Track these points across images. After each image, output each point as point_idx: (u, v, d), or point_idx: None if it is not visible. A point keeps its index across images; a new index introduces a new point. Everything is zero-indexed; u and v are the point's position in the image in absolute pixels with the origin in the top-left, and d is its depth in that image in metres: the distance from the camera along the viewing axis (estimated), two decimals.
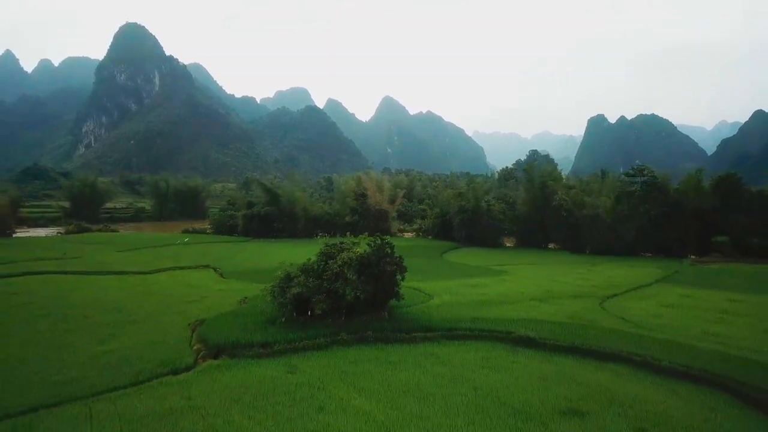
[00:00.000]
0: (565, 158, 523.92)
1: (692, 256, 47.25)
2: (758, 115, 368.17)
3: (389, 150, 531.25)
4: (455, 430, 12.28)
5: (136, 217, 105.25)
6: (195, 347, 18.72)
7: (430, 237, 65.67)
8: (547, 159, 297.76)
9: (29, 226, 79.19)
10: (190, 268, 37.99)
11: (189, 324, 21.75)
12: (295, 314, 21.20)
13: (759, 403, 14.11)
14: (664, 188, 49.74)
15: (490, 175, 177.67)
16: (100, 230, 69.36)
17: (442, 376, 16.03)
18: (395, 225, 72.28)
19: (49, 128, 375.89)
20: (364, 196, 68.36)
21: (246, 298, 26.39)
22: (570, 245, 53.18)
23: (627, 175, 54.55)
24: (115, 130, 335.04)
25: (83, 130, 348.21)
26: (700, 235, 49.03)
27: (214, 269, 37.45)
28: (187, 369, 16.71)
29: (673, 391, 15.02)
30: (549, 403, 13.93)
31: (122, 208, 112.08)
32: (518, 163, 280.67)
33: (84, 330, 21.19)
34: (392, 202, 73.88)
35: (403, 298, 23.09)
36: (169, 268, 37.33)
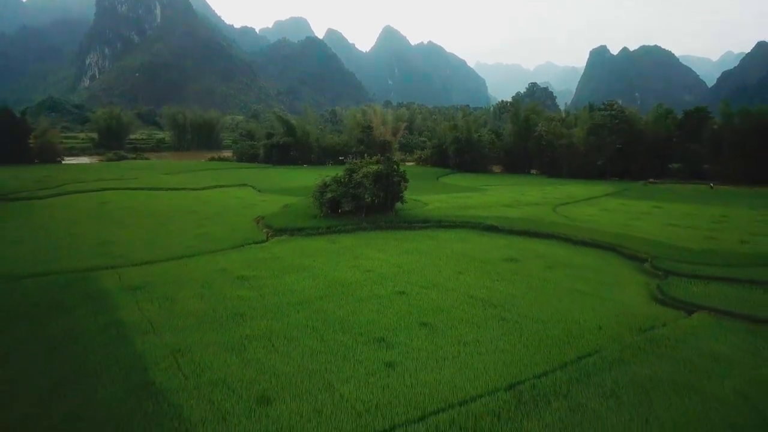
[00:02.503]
0: (566, 90, 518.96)
1: (650, 180, 54.74)
2: (761, 45, 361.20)
3: (390, 82, 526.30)
4: (440, 268, 20.44)
5: (157, 147, 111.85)
6: (264, 230, 26.96)
7: (428, 165, 73.02)
8: (546, 91, 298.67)
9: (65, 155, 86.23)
10: (231, 186, 45.95)
11: (253, 219, 29.92)
12: (329, 211, 29.32)
13: (631, 257, 22.21)
14: (630, 121, 56.57)
15: (489, 107, 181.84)
16: (134, 158, 76.78)
17: (432, 245, 24.27)
18: (397, 155, 79.24)
19: (51, 60, 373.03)
20: (369, 128, 75.06)
21: (286, 205, 34.39)
22: (549, 171, 60.60)
23: (599, 109, 61.13)
24: (119, 62, 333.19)
25: (87, 62, 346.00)
26: (659, 162, 56.42)
27: (252, 187, 45.41)
28: (263, 242, 24.96)
29: (581, 252, 23.22)
30: (498, 256, 22.16)
31: (143, 139, 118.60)
32: (517, 95, 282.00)
33: (178, 222, 29.34)
34: (395, 134, 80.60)
35: (405, 203, 31.20)
36: (214, 186, 45.24)
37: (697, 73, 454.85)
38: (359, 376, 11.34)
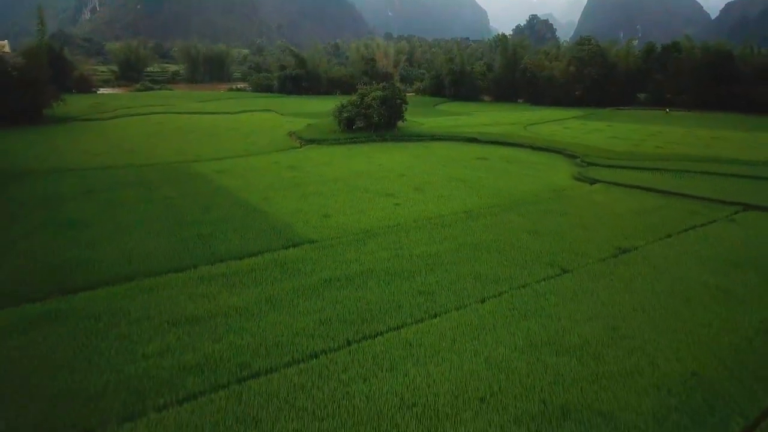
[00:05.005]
0: (570, 22, 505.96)
1: (618, 107, 60.95)
2: None
3: (390, 14, 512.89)
4: (430, 164, 27.74)
5: (172, 79, 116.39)
6: (296, 140, 34.20)
7: (426, 95, 78.74)
8: (547, 24, 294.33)
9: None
10: (257, 111, 52.60)
11: (285, 133, 37.06)
12: (346, 128, 36.39)
13: (571, 156, 29.46)
14: (605, 55, 62.11)
15: (488, 40, 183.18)
16: (160, 89, 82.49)
17: (425, 151, 31.55)
18: (398, 86, 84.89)
19: None
20: (373, 60, 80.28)
21: (309, 124, 41.31)
22: (533, 100, 66.61)
23: (578, 44, 66.43)
24: None
25: None
26: (630, 92, 62.53)
27: (275, 111, 52.07)
28: (297, 148, 32.22)
29: (535, 154, 30.51)
30: (473, 156, 29.47)
31: (158, 72, 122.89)
32: (517, 28, 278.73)
33: (226, 136, 36.39)
34: (395, 66, 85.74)
35: (405, 121, 38.23)
36: (243, 111, 51.86)
37: (701, 5, 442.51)
38: (379, 209, 18.92)
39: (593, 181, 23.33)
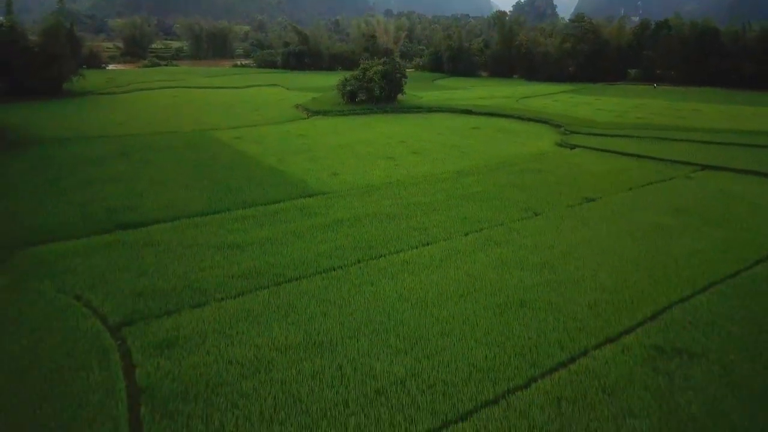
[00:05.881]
0: None
1: (608, 82, 62.64)
2: None
3: None
4: (427, 133, 29.93)
5: (176, 56, 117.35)
6: (303, 112, 36.34)
7: (425, 70, 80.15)
8: (547, 0, 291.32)
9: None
10: (264, 85, 54.47)
11: (292, 105, 39.15)
12: (349, 100, 38.46)
13: (557, 126, 31.63)
14: (598, 32, 63.59)
15: (487, 17, 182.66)
16: (167, 65, 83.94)
17: (423, 121, 33.73)
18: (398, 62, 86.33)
19: None
20: (373, 37, 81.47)
21: (314, 97, 43.28)
22: (528, 75, 68.14)
23: (572, 21, 67.78)
24: None
25: None
26: (621, 67, 64.20)
27: (281, 86, 53.94)
28: (305, 119, 34.39)
29: (525, 124, 32.66)
30: (467, 126, 31.66)
31: (161, 48, 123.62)
32: (518, 4, 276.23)
33: (238, 108, 38.46)
34: (396, 42, 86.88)
35: (405, 94, 40.26)
36: (251, 86, 53.73)
37: None
38: (381, 169, 21.23)
39: (573, 147, 25.62)
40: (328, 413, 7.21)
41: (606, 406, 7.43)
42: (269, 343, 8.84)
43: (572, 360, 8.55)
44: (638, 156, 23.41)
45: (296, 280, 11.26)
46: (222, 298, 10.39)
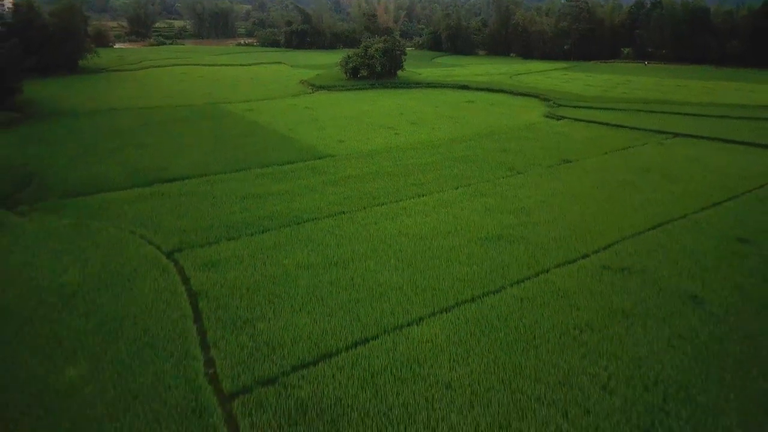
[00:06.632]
0: None
1: (601, 60, 63.91)
2: None
3: None
4: (425, 105, 31.64)
5: (179, 35, 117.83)
6: (308, 87, 37.99)
7: (425, 49, 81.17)
8: None
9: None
10: (269, 63, 55.83)
11: (298, 82, 40.75)
12: (352, 76, 40.06)
13: (546, 99, 33.33)
14: (592, 11, 64.54)
15: None
16: (172, 44, 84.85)
17: (422, 95, 35.38)
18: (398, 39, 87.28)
19: None
20: (374, 16, 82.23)
21: (318, 74, 44.83)
22: (524, 53, 69.31)
23: (568, 1, 68.53)
24: None
25: None
26: (615, 46, 65.39)
27: (285, 64, 55.31)
28: (310, 93, 36.06)
29: (517, 98, 34.37)
30: (462, 100, 33.35)
31: (165, 27, 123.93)
32: None
33: (245, 84, 40.03)
34: (395, 21, 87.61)
35: (404, 70, 41.81)
36: (256, 63, 55.06)
37: None
38: (382, 137, 23.07)
39: (560, 118, 27.42)
40: (344, 307, 9.28)
41: (558, 303, 9.50)
42: (294, 263, 10.89)
43: (536, 275, 10.60)
44: (618, 126, 25.24)
45: (312, 220, 13.27)
46: (252, 233, 12.42)
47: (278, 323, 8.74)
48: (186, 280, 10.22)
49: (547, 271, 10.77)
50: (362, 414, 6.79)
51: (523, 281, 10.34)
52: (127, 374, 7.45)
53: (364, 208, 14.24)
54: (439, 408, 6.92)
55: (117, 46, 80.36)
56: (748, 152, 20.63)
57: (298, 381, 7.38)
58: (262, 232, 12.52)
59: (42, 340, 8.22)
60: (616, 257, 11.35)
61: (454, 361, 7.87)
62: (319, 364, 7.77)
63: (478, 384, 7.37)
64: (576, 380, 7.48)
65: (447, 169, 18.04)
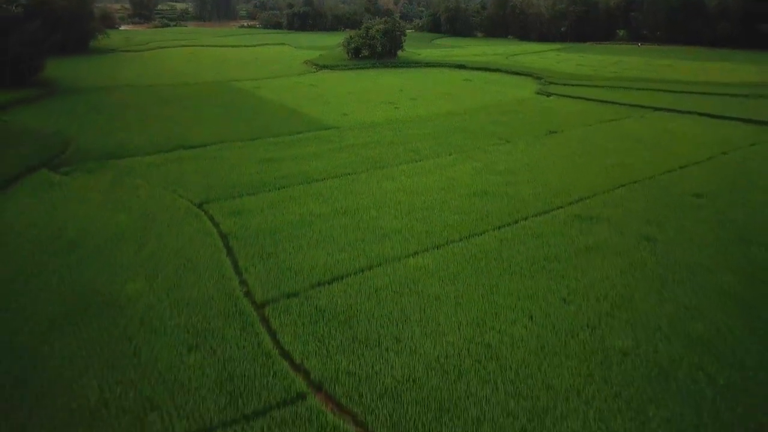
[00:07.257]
0: None
1: (595, 42, 64.78)
2: None
3: None
4: (424, 83, 32.95)
5: (182, 17, 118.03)
6: (312, 67, 39.23)
7: (424, 31, 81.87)
8: None
9: None
10: (273, 44, 56.81)
11: (301, 62, 41.95)
12: (354, 56, 41.25)
13: (539, 78, 34.61)
14: None
15: None
16: (176, 25, 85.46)
17: (421, 74, 36.66)
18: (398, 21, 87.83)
19: None
20: None
21: (321, 54, 45.95)
22: (521, 35, 70.18)
23: None
24: None
25: None
26: (610, 28, 66.25)
27: (289, 45, 56.32)
28: (313, 72, 37.32)
29: (511, 77, 35.64)
30: (460, 78, 34.64)
31: (167, 10, 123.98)
32: None
33: (251, 63, 41.25)
34: (396, 3, 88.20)
35: (405, 51, 42.98)
36: (261, 45, 56.11)
37: None
38: (383, 111, 24.49)
39: (550, 95, 28.80)
40: (352, 244, 10.89)
41: (532, 242, 11.12)
42: (308, 212, 12.50)
43: (516, 222, 12.20)
44: (603, 101, 26.65)
45: (321, 180, 14.84)
46: (269, 190, 14.00)
47: (298, 256, 10.37)
48: (216, 225, 11.82)
49: (526, 219, 12.36)
50: (368, 316, 8.45)
51: (504, 227, 11.94)
52: (177, 289, 9.10)
53: (367, 170, 15.80)
54: (429, 312, 8.58)
55: (123, 27, 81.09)
56: (722, 125, 22.07)
57: (317, 294, 9.03)
58: (278, 189, 14.10)
59: (104, 265, 9.87)
60: (586, 209, 12.94)
61: (442, 281, 9.52)
62: (333, 283, 9.42)
63: (462, 297, 9.02)
64: (541, 295, 9.13)
65: (442, 138, 19.54)
